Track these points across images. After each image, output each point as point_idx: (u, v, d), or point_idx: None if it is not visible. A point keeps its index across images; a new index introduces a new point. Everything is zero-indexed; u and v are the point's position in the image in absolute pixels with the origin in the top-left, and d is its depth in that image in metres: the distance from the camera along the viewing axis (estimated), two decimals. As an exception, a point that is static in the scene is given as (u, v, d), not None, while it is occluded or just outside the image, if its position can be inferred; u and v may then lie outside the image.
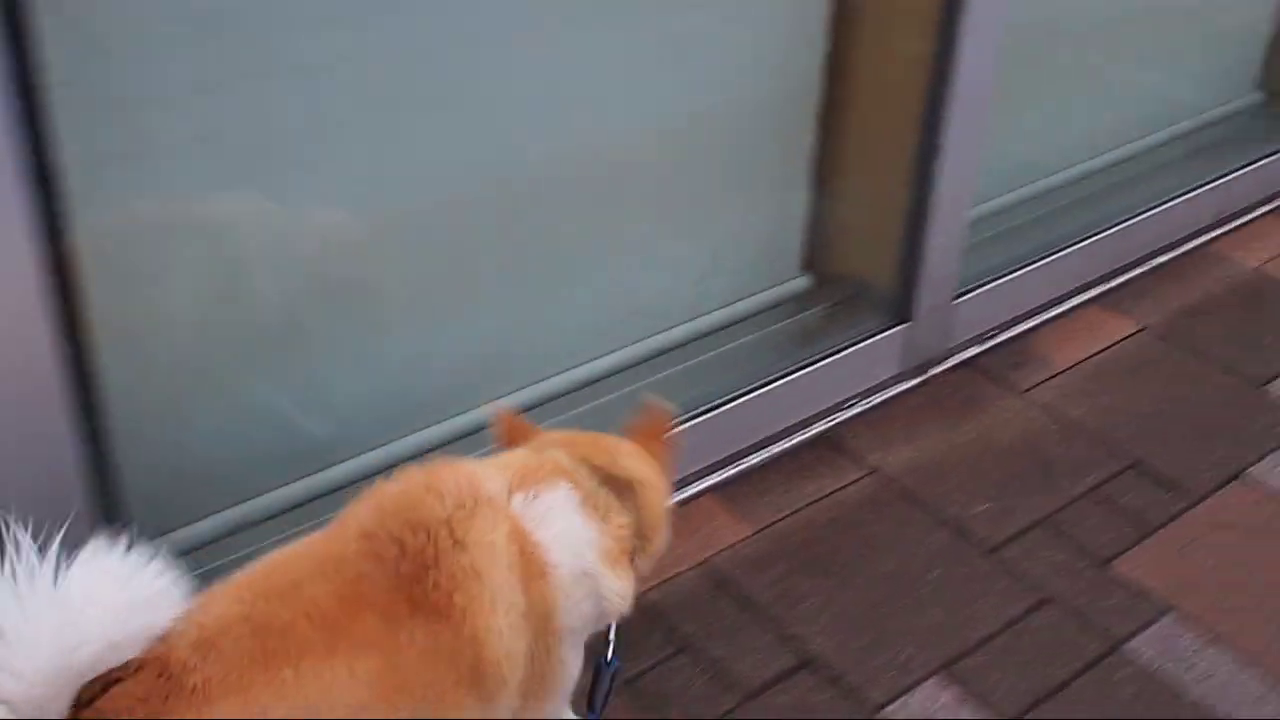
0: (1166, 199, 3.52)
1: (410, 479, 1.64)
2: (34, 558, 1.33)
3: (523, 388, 2.61)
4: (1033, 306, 3.27)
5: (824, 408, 2.92)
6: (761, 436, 2.81)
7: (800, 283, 3.07)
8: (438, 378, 2.51)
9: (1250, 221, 3.72)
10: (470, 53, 2.28)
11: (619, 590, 1.74)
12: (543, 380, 2.66)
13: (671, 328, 2.85)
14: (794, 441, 2.85)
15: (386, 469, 1.70)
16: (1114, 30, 3.46)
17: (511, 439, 1.85)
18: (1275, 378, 3.13)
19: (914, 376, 3.05)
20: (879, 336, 2.96)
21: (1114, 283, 3.42)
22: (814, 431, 2.89)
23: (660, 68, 2.61)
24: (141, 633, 1.38)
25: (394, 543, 1.54)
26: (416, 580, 1.52)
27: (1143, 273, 3.48)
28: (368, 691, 1.46)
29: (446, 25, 2.24)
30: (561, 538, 1.66)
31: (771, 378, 2.78)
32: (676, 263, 2.84)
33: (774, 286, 3.03)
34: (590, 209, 2.63)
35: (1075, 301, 3.34)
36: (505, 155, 2.42)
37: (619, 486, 1.77)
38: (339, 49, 2.13)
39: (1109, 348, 3.21)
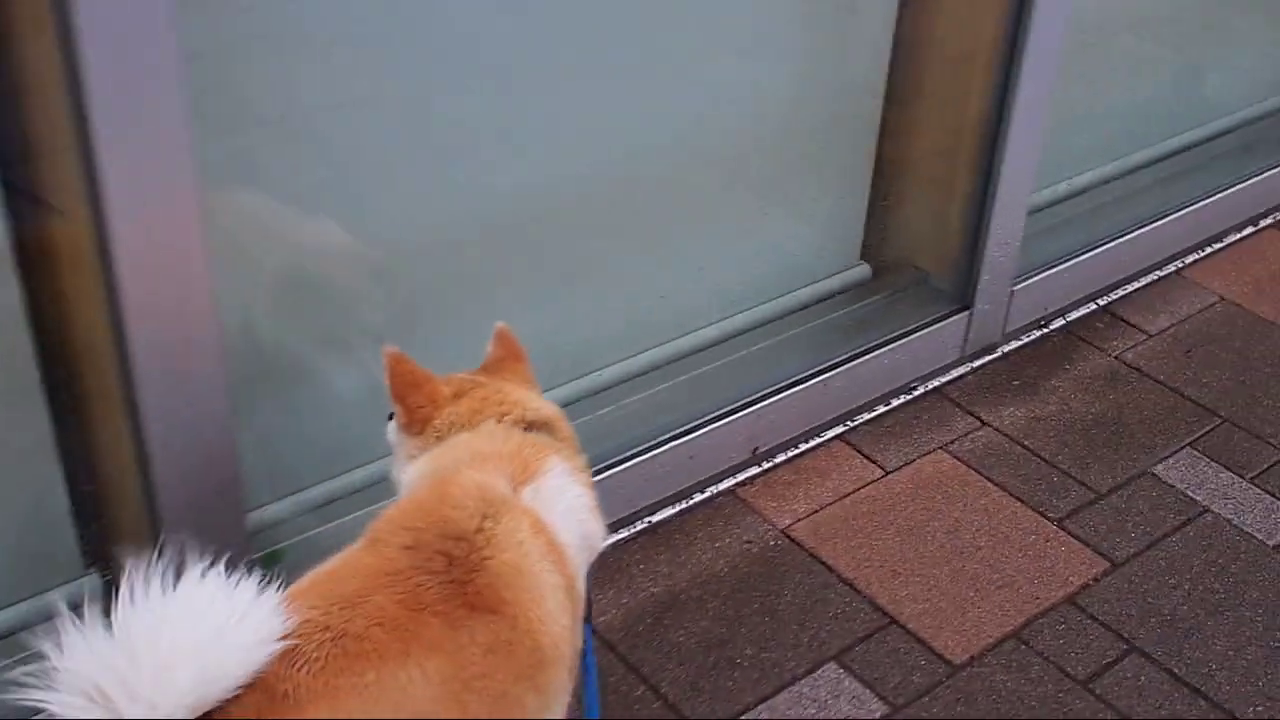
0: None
1: (424, 499, 1.72)
2: (193, 587, 1.41)
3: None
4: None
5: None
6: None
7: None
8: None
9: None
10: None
11: (602, 533, 1.86)
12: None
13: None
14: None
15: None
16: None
17: (404, 381, 1.88)
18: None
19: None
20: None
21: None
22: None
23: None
24: (262, 662, 1.44)
25: (439, 555, 1.64)
26: (468, 583, 1.62)
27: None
28: (439, 689, 1.55)
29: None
30: (567, 514, 1.79)
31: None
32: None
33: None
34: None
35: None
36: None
37: (539, 428, 1.87)
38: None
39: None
